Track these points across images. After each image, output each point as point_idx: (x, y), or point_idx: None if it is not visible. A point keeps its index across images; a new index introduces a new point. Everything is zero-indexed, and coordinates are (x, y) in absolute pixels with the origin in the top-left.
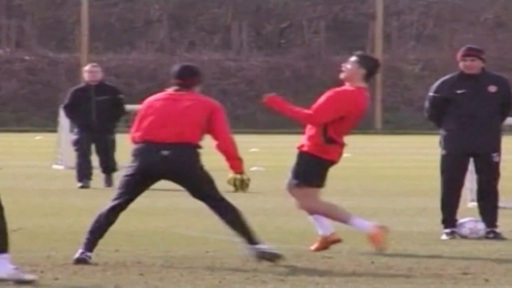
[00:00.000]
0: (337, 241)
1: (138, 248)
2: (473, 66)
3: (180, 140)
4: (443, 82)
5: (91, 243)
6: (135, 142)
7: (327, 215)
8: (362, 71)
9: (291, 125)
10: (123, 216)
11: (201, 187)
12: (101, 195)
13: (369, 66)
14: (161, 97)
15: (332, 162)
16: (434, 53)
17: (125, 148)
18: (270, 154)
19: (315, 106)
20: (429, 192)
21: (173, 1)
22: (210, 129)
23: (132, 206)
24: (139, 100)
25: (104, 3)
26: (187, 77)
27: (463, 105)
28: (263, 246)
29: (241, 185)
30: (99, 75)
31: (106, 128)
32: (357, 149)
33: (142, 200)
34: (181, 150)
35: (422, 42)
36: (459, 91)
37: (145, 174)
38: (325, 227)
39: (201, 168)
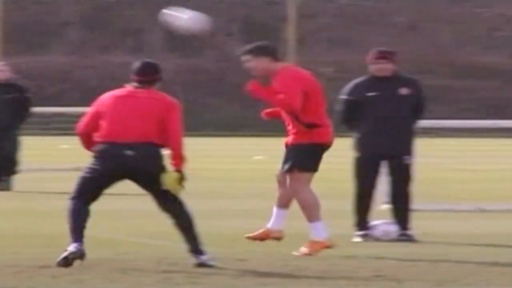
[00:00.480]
0: (278, 238)
1: (52, 250)
2: (383, 69)
3: (143, 140)
4: (356, 85)
5: (81, 233)
6: (93, 141)
7: (306, 206)
8: (267, 59)
9: (204, 128)
10: (36, 218)
11: (158, 186)
12: (12, 199)
13: (269, 51)
14: (120, 95)
15: (324, 145)
16: (346, 55)
17: (31, 149)
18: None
19: (283, 92)
20: (342, 195)
21: (86, 4)
22: (164, 126)
23: (46, 208)
24: (52, 102)
25: (18, 5)
26: (148, 75)
27: (375, 107)
28: (204, 258)
29: (176, 183)
30: (7, 74)
31: (12, 127)
32: (270, 151)
33: (56, 203)
34: (145, 150)
35: (335, 45)
36: (371, 94)
37: (108, 175)
38: (277, 222)
39: (163, 168)
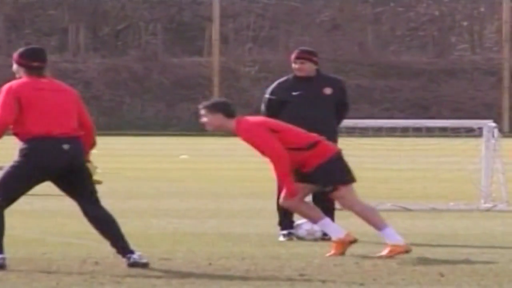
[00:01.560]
0: (355, 241)
1: None
2: (303, 68)
3: (74, 133)
4: (279, 84)
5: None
6: (23, 135)
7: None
8: (220, 115)
9: (128, 127)
10: None
11: (87, 184)
12: None
13: (220, 108)
14: (34, 86)
15: (337, 154)
16: (270, 55)
17: None
18: (107, 156)
19: (268, 151)
20: (266, 194)
21: (9, 2)
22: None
23: None
24: None
25: None
26: (46, 60)
27: (299, 107)
28: (136, 256)
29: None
30: None
31: None
32: (194, 150)
33: None
34: (77, 144)
35: (259, 44)
36: (294, 93)
37: (43, 171)
38: (337, 230)
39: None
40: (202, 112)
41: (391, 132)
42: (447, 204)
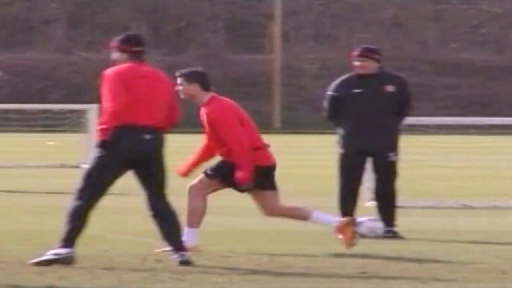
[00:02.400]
0: (352, 222)
1: (37, 247)
2: (364, 66)
3: (159, 125)
4: (341, 82)
5: (73, 239)
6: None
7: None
8: (196, 86)
9: (188, 125)
10: (22, 215)
11: (160, 177)
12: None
13: (198, 78)
14: (138, 73)
15: (270, 167)
16: (331, 52)
17: None
18: (168, 153)
19: (229, 138)
20: (327, 191)
21: (70, 1)
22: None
23: (31, 205)
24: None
25: (2, 1)
26: (145, 45)
27: (360, 104)
28: (188, 255)
29: None
30: None
31: None
32: None
33: (40, 200)
34: (159, 135)
35: (320, 42)
36: (356, 91)
37: (123, 159)
38: (328, 219)
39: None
40: (179, 80)
41: (452, 129)
42: (508, 202)
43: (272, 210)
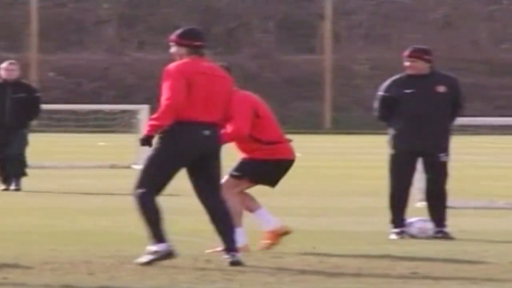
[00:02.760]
0: (287, 232)
1: (88, 247)
2: (414, 66)
3: (217, 121)
4: (393, 82)
5: (161, 234)
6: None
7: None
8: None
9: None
10: (74, 216)
11: (217, 173)
12: (50, 195)
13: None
14: (199, 70)
15: (286, 160)
16: (383, 52)
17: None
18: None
19: (234, 121)
20: (378, 192)
21: (122, 1)
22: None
23: (82, 205)
24: (89, 100)
25: (54, 2)
26: (205, 40)
27: (412, 104)
28: (239, 256)
29: None
30: (16, 73)
31: (20, 126)
32: (307, 148)
33: (93, 200)
34: (217, 131)
35: (371, 42)
36: (407, 91)
37: (182, 154)
38: (270, 221)
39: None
40: None
41: (505, 130)
42: None
43: (228, 193)
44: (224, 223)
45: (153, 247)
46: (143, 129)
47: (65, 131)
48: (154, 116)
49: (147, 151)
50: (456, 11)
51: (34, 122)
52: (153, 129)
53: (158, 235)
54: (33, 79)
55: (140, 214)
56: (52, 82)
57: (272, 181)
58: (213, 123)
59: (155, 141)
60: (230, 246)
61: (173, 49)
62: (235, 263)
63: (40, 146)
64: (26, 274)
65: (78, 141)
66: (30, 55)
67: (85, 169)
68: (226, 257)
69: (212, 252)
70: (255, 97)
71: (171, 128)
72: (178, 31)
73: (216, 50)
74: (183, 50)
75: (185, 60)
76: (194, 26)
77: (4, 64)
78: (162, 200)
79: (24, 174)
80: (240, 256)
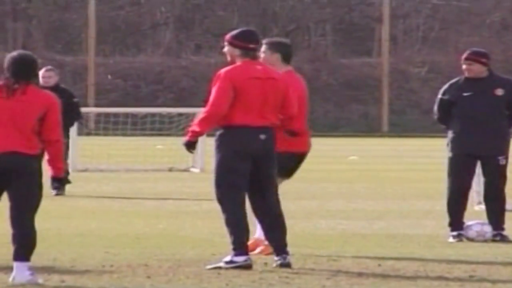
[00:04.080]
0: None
1: (145, 250)
2: (471, 70)
3: (272, 124)
4: (451, 85)
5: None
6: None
7: None
8: (277, 55)
9: None
10: (130, 219)
11: (272, 174)
12: (107, 198)
13: (281, 49)
14: (250, 75)
15: (302, 154)
16: (440, 56)
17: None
18: None
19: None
20: (435, 195)
21: (179, 4)
22: None
23: (139, 209)
24: (146, 103)
25: (111, 6)
26: (259, 42)
27: (469, 107)
28: (289, 258)
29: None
30: (53, 80)
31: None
32: (364, 151)
33: (149, 203)
34: (272, 134)
35: (428, 45)
36: (465, 94)
37: (240, 156)
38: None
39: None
40: (263, 47)
41: None
42: None
43: None
44: (273, 229)
45: (235, 257)
46: (203, 138)
47: (122, 134)
48: (195, 122)
49: (200, 155)
50: None
51: (91, 126)
52: (194, 135)
53: (238, 245)
54: (90, 82)
55: (224, 217)
56: (110, 85)
57: (286, 174)
58: (269, 126)
59: (213, 148)
60: (281, 248)
61: (226, 49)
62: (285, 265)
63: (97, 149)
64: (83, 277)
65: (135, 144)
66: (87, 58)
67: (143, 172)
68: (276, 259)
69: (258, 253)
70: (303, 85)
71: (227, 131)
72: (234, 32)
73: None
74: (236, 52)
75: (237, 64)
76: (251, 28)
77: (42, 71)
78: (215, 203)
79: (67, 181)
80: (289, 258)
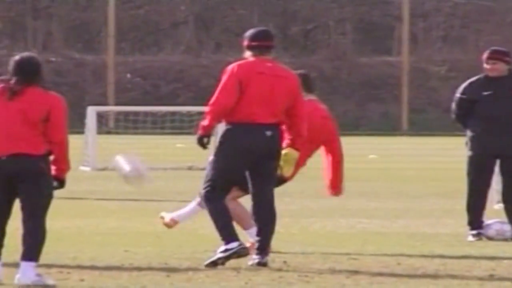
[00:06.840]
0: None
1: (165, 249)
2: (494, 69)
3: (277, 121)
4: (470, 84)
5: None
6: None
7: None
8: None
9: None
10: (149, 218)
11: (273, 172)
12: (127, 197)
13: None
14: (257, 69)
15: None
16: (460, 54)
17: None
18: None
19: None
20: (455, 194)
21: (199, 3)
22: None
23: (159, 207)
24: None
25: (131, 4)
26: (269, 40)
27: (489, 106)
28: (267, 258)
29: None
30: None
31: None
32: (383, 150)
33: (168, 202)
34: (277, 131)
35: (449, 44)
36: (485, 93)
37: (244, 153)
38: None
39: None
40: None
41: None
42: None
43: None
44: (265, 224)
45: (227, 245)
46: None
47: (142, 133)
48: (204, 116)
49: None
50: None
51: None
52: (204, 129)
53: (229, 235)
54: (110, 81)
55: (209, 213)
56: (129, 84)
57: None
58: (275, 123)
59: (216, 142)
60: (264, 247)
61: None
62: (261, 264)
63: (117, 148)
64: (102, 276)
65: (155, 143)
66: (107, 57)
67: (163, 171)
68: (255, 257)
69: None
70: (326, 113)
71: (231, 127)
72: (249, 33)
73: (292, 51)
74: (247, 53)
75: (247, 60)
76: (265, 27)
77: None
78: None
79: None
80: (268, 258)
